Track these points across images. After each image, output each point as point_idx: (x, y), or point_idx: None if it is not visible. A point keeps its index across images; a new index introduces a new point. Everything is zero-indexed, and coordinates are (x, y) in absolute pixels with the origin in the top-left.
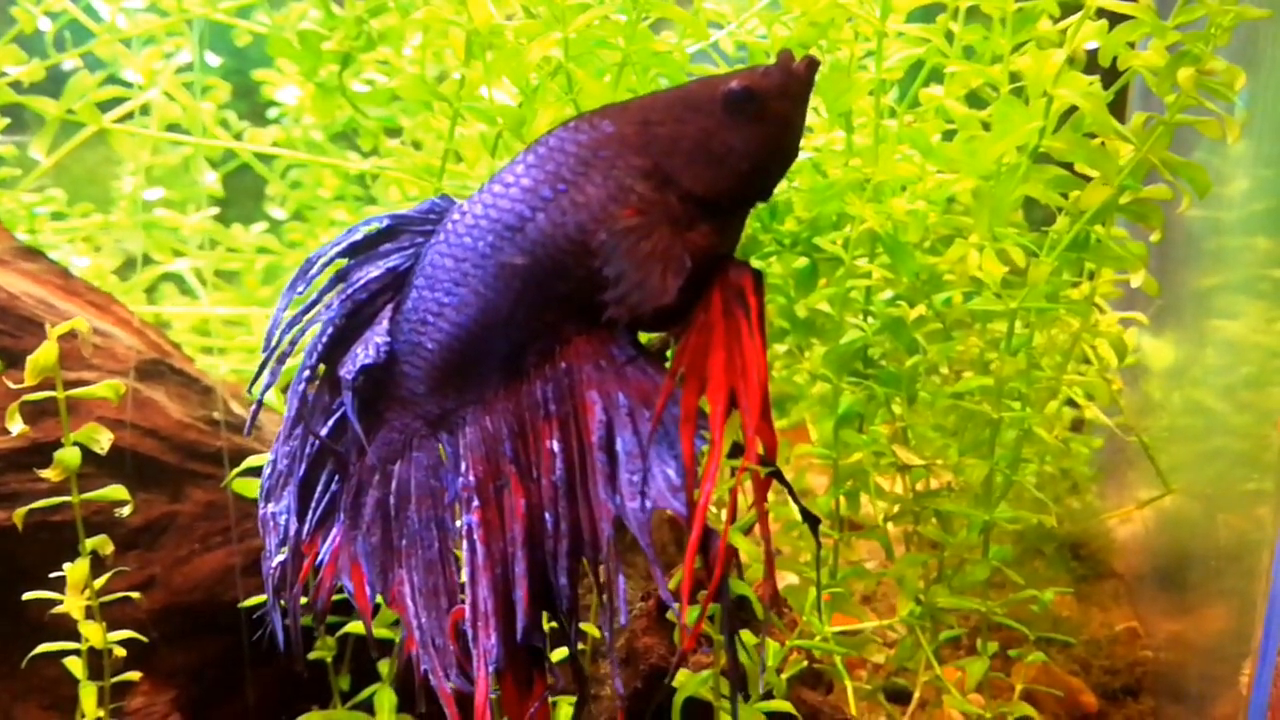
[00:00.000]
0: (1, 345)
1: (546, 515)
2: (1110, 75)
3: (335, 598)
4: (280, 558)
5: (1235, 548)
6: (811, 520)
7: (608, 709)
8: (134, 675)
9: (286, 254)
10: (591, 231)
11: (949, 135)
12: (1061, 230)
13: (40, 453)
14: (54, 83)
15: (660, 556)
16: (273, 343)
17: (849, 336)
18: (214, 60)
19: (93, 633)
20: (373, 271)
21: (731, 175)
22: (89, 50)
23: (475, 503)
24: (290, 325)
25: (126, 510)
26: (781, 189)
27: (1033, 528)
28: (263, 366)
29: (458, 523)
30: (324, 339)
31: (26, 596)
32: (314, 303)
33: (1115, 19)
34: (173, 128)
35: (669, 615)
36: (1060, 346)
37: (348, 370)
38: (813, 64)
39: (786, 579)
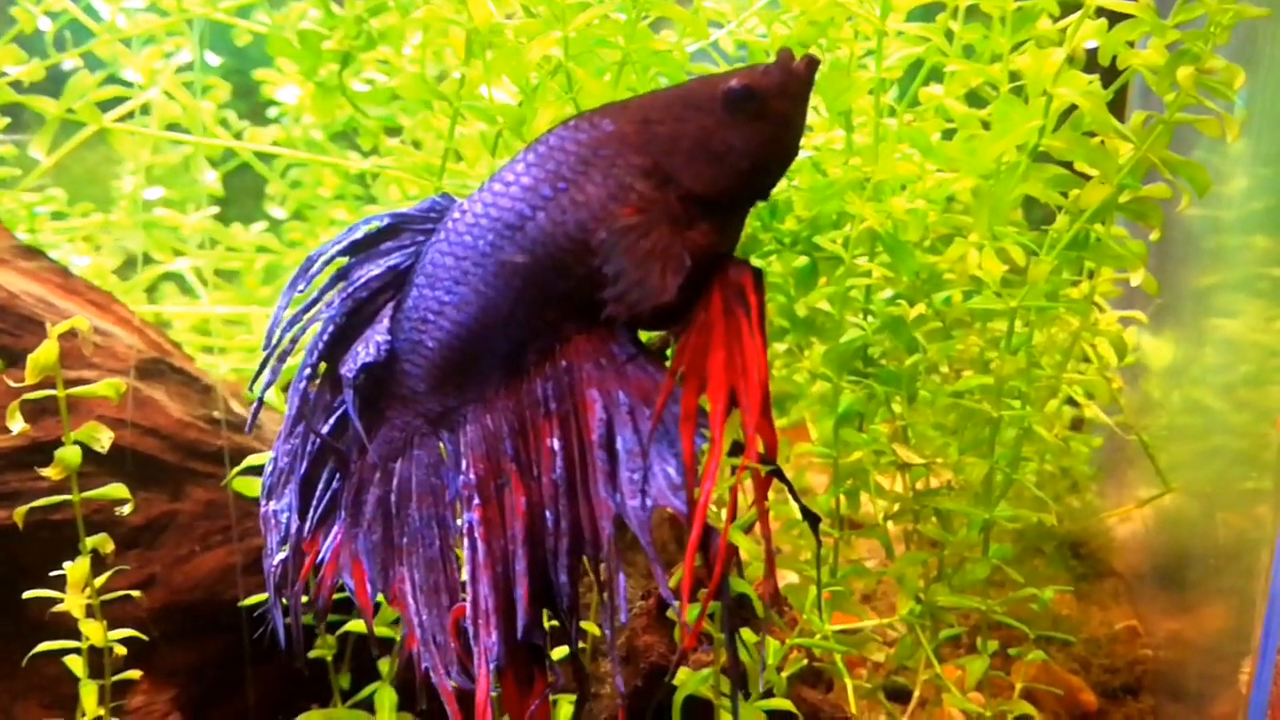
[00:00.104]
0: (1, 344)
1: (547, 513)
2: (1110, 74)
3: (336, 596)
4: (281, 555)
5: (1234, 546)
6: (811, 519)
7: (608, 707)
8: (134, 674)
9: (286, 253)
10: (591, 230)
11: (949, 134)
12: (1061, 229)
13: (40, 451)
14: (54, 82)
15: (660, 555)
16: (273, 341)
17: (849, 335)
18: (214, 60)
19: (93, 631)
20: (373, 270)
21: (731, 174)
22: (89, 50)
23: (476, 501)
24: (291, 323)
25: (127, 509)
26: (781, 188)
27: (1032, 526)
28: (263, 365)
29: (459, 521)
30: (325, 337)
31: (27, 595)
32: (315, 301)
33: (1115, 18)
34: (173, 127)
35: (669, 613)
36: (1060, 345)
37: (349, 368)
38: (813, 63)
39: (787, 577)
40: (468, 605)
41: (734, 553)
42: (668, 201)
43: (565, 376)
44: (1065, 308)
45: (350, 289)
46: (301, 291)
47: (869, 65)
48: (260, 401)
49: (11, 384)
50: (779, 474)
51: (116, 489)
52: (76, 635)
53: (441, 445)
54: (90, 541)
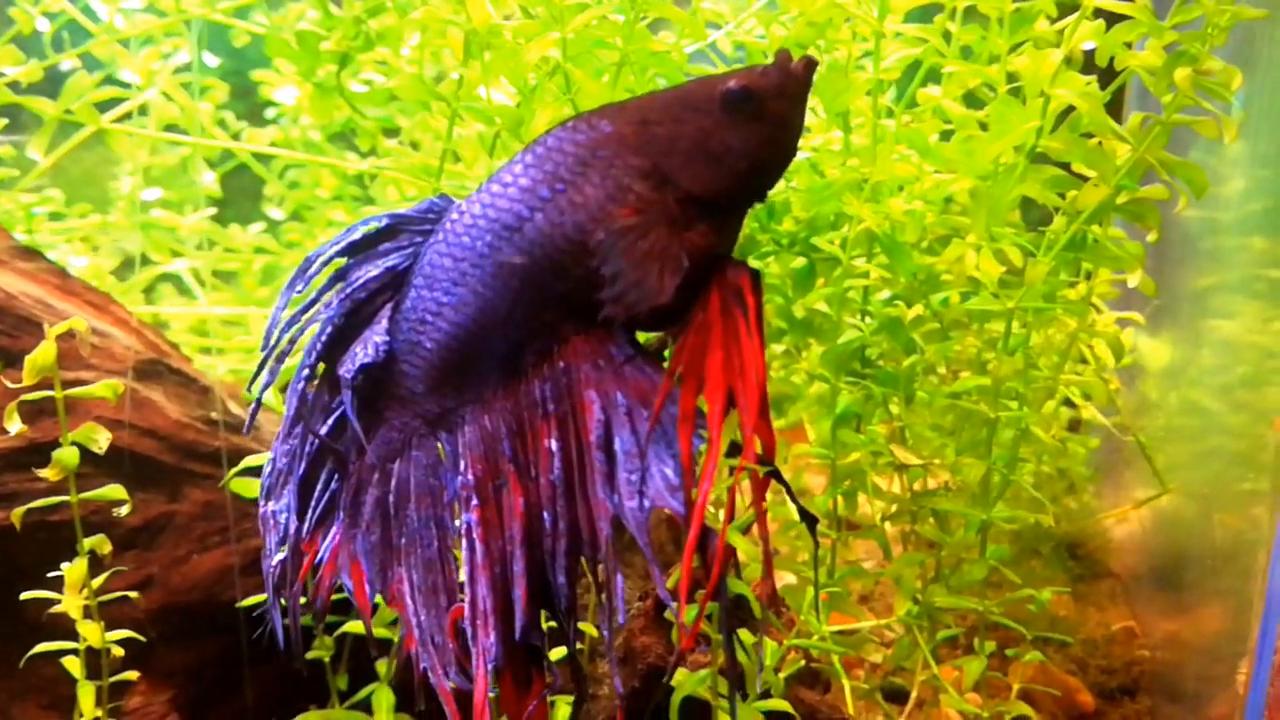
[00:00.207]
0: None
1: (545, 514)
2: (1107, 75)
3: (334, 597)
4: (280, 556)
5: (1231, 547)
6: (809, 520)
7: (606, 708)
8: (132, 675)
9: (284, 254)
10: (589, 231)
11: (946, 135)
12: (1059, 230)
13: (38, 452)
14: (52, 83)
15: (658, 556)
16: (271, 342)
17: (846, 336)
18: (212, 60)
19: (91, 632)
20: (371, 271)
21: (730, 175)
22: (87, 50)
23: (474, 501)
24: (289, 324)
25: (124, 510)
26: (779, 189)
27: (1030, 527)
28: (262, 365)
29: (457, 521)
30: (323, 338)
31: (24, 596)
32: (313, 302)
33: (1112, 19)
34: (171, 128)
35: (667, 614)
36: (1057, 346)
37: (347, 369)
38: (811, 64)
39: (784, 578)
40: (466, 606)
41: (732, 554)
42: (666, 203)
43: (563, 377)
44: (1063, 309)
45: (348, 290)
46: (300, 292)
47: (867, 66)
48: (259, 402)
49: (9, 385)
50: (777, 475)
51: (114, 490)
52: (74, 636)
53: (440, 446)
54: (88, 542)
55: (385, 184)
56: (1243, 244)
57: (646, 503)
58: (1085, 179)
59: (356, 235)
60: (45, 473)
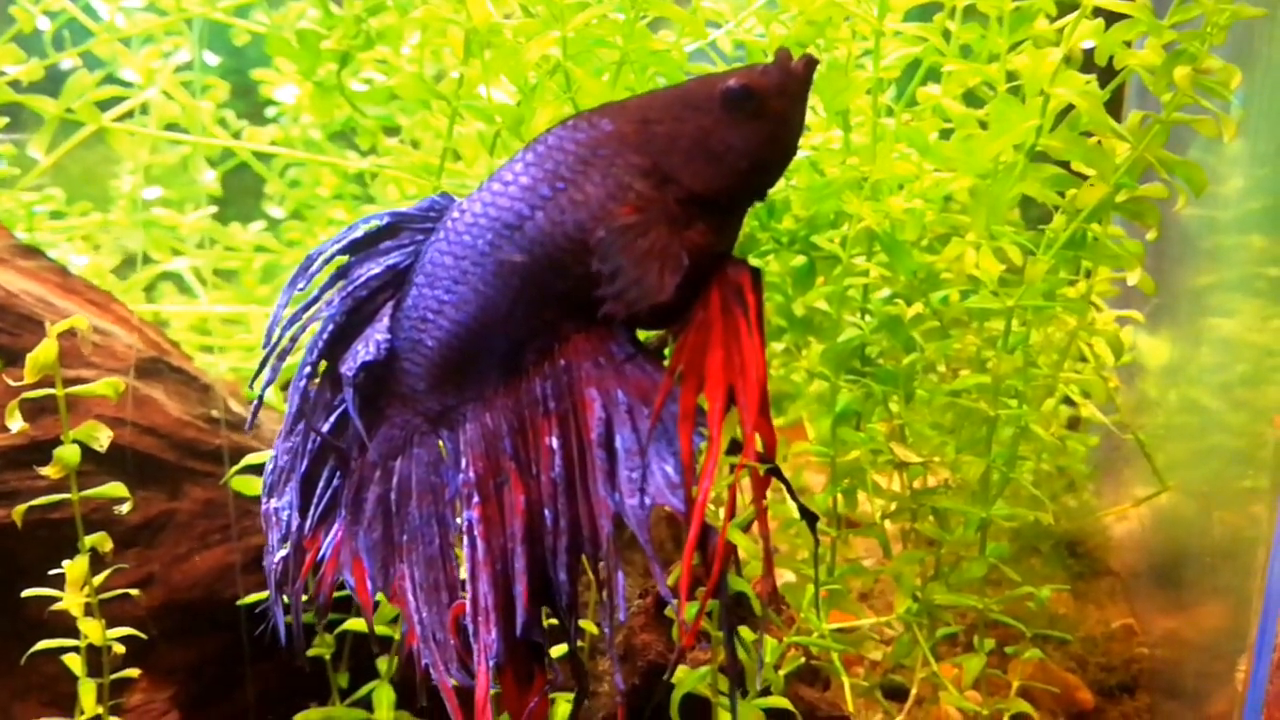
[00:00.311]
0: (0, 343)
1: (546, 511)
2: (1107, 74)
3: (335, 594)
4: (283, 553)
5: (1231, 545)
6: (809, 517)
7: (606, 705)
8: (133, 672)
9: (285, 252)
10: (590, 229)
11: (946, 134)
12: (1058, 228)
13: (39, 450)
14: (53, 82)
15: (657, 553)
16: (273, 339)
17: (846, 334)
18: (212, 59)
19: (92, 630)
20: (373, 269)
21: (730, 173)
22: (88, 49)
23: (475, 499)
24: (291, 322)
25: (125, 508)
26: (779, 187)
27: (1029, 525)
28: (263, 363)
29: (458, 519)
30: (325, 336)
31: (26, 594)
32: (315, 300)
33: (1112, 18)
34: (171, 126)
35: (667, 612)
36: (1057, 344)
37: (349, 367)
38: (811, 63)
39: (784, 576)
40: (467, 603)
41: (732, 551)
42: (666, 201)
43: (564, 375)
44: (1062, 307)
45: (350, 288)
46: (301, 290)
47: (866, 65)
48: (260, 400)
49: (11, 383)
50: (777, 473)
51: (115, 488)
52: (75, 634)
53: (441, 443)
54: (89, 540)
55: (386, 182)
56: (1242, 242)
57: (647, 500)
58: (1085, 177)
59: (358, 233)
60: (47, 471)
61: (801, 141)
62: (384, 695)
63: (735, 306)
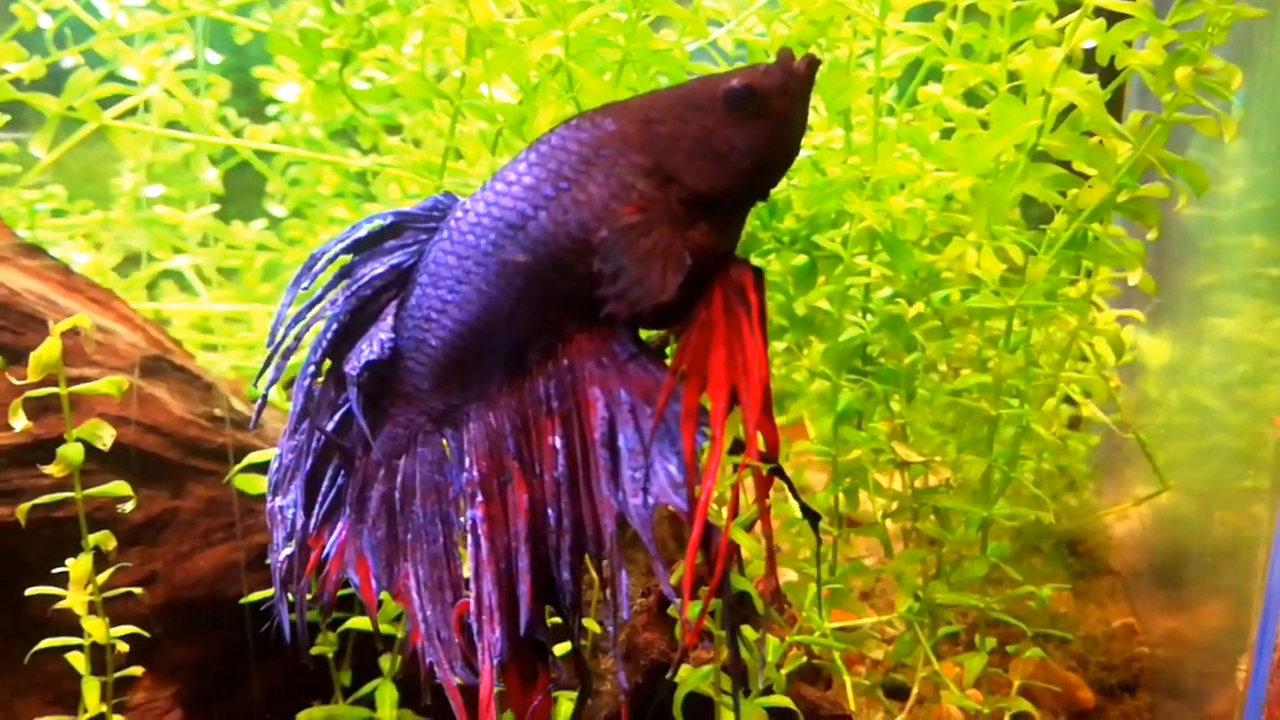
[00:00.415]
0: (3, 342)
1: (549, 511)
2: (1107, 74)
3: (340, 592)
4: (287, 551)
5: (1231, 544)
6: (812, 517)
7: (608, 704)
8: (136, 670)
9: (286, 251)
10: (593, 229)
11: (947, 133)
12: (1060, 228)
13: (42, 449)
14: (54, 80)
15: (659, 552)
16: (277, 338)
17: (848, 334)
18: (214, 57)
19: (96, 628)
20: (377, 268)
21: (733, 173)
22: (89, 47)
23: (479, 498)
24: (295, 321)
25: (129, 506)
26: (780, 186)
27: (1030, 524)
28: (268, 362)
29: (462, 518)
30: (329, 335)
31: (30, 592)
32: (319, 299)
33: (1113, 18)
34: (173, 125)
35: (670, 611)
36: (1058, 344)
37: (353, 366)
38: (813, 63)
39: (785, 575)
40: (471, 601)
41: (735, 551)
42: (669, 201)
43: (567, 375)
44: (1063, 307)
45: (354, 287)
46: (305, 289)
47: (868, 64)
48: (265, 399)
49: (14, 381)
50: (780, 472)
51: (119, 486)
52: (78, 632)
53: (445, 442)
54: (93, 538)
55: (387, 181)
56: (1242, 242)
57: (650, 500)
58: (1086, 177)
59: (362, 233)
60: (50, 469)
61: (803, 141)
62: (387, 693)
63: (738, 306)
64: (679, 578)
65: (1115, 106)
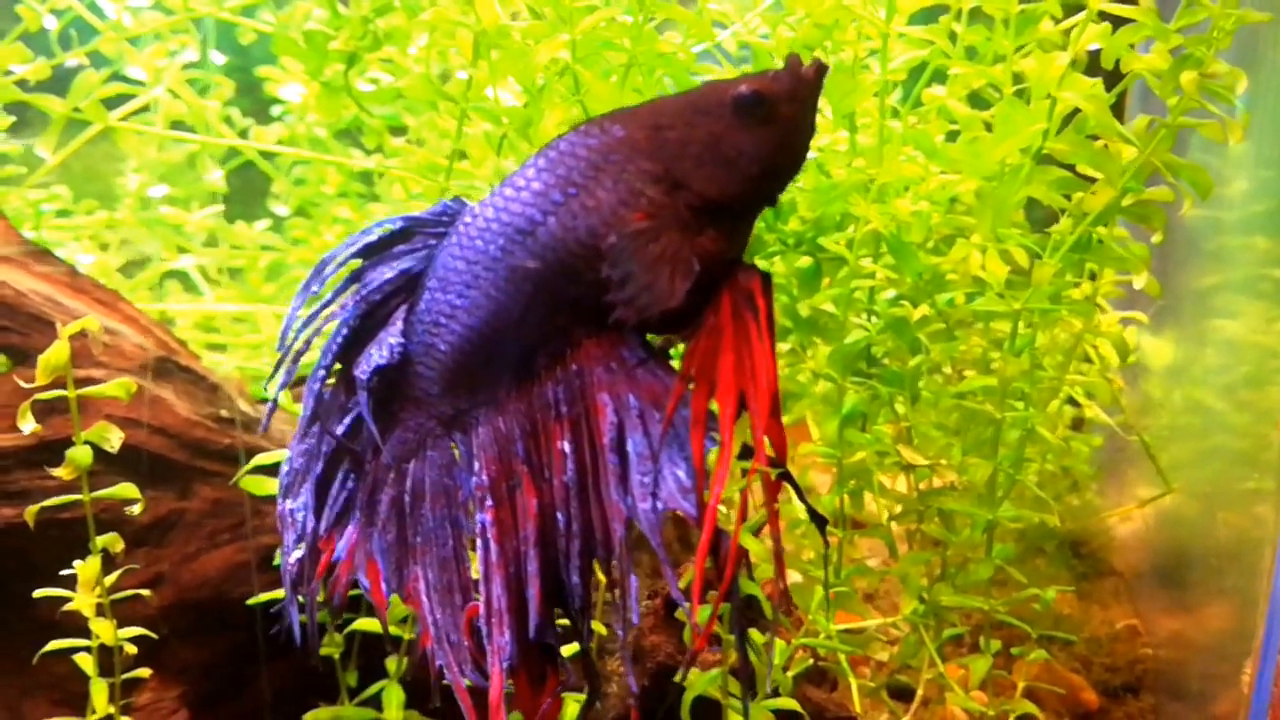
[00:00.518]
0: (10, 343)
1: (558, 515)
2: (1112, 77)
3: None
4: (298, 554)
5: (1235, 546)
6: (819, 520)
7: (615, 706)
8: (144, 672)
9: (290, 251)
10: (602, 235)
11: (952, 136)
12: (1064, 231)
13: (50, 451)
14: (59, 81)
15: (666, 554)
16: (288, 342)
17: (853, 336)
18: (219, 58)
19: (103, 630)
20: (386, 273)
21: (741, 179)
22: (94, 48)
23: (488, 502)
24: (305, 325)
25: (136, 508)
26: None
27: (1034, 526)
28: (279, 365)
29: (471, 521)
30: (339, 339)
31: (37, 594)
32: (328, 303)
33: (1118, 21)
34: (178, 125)
35: (678, 614)
36: (1062, 346)
37: (362, 370)
38: (821, 68)
39: (791, 578)
40: (481, 604)
41: (744, 555)
42: (677, 207)
43: (576, 380)
44: (1068, 309)
45: (364, 291)
46: (315, 293)
47: (873, 67)
48: (275, 402)
49: (22, 384)
50: (788, 477)
51: (126, 488)
52: (85, 633)
53: (454, 446)
54: (100, 540)
55: (391, 181)
56: (1246, 244)
57: (659, 504)
58: (1091, 180)
59: (372, 237)
60: (58, 471)
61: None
62: (393, 695)
63: (746, 312)
64: (687, 581)
65: (1117, 110)
